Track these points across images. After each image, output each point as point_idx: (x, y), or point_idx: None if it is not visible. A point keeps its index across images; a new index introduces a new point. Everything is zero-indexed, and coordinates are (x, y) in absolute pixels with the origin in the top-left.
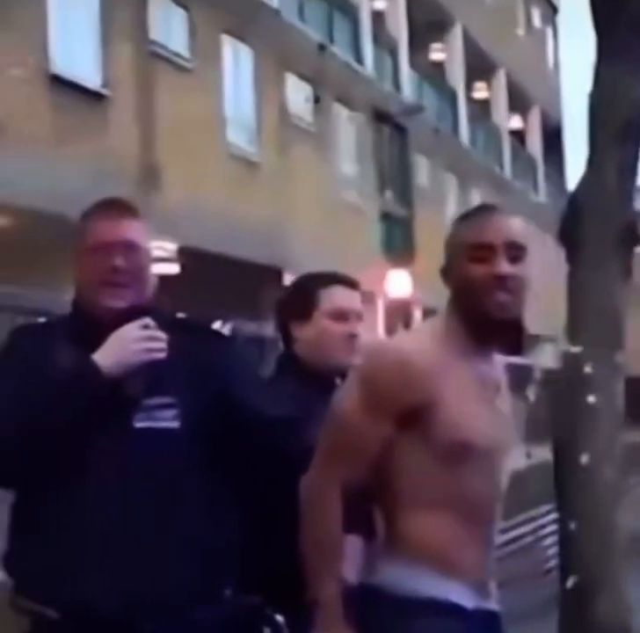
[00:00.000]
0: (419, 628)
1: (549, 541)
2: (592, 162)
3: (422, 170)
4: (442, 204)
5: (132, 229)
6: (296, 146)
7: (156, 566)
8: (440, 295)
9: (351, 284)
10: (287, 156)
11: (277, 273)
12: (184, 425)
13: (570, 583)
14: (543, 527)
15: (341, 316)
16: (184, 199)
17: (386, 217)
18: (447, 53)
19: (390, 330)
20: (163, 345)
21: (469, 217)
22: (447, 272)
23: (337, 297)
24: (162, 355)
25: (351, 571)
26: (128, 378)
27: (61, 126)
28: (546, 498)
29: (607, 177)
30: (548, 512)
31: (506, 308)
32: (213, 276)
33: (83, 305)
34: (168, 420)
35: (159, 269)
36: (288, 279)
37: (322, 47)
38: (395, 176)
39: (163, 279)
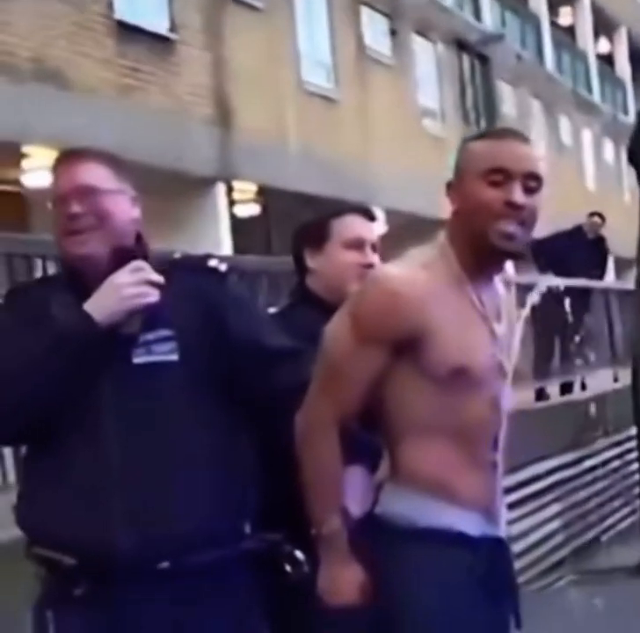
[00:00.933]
0: (425, 557)
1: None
2: None
3: (507, 99)
4: (529, 132)
5: (87, 173)
6: (375, 80)
7: (169, 503)
8: None
9: (367, 214)
10: (365, 92)
11: None
12: (182, 357)
13: None
14: (630, 451)
15: (355, 245)
16: (261, 139)
17: None
18: None
19: None
20: (156, 287)
21: (490, 137)
22: (454, 189)
23: (350, 226)
24: (155, 298)
25: (354, 502)
26: (125, 317)
27: (129, 73)
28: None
29: None
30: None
31: (513, 238)
32: (294, 215)
33: (62, 258)
34: (166, 353)
35: (240, 210)
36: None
37: None
38: (479, 105)
39: (244, 220)
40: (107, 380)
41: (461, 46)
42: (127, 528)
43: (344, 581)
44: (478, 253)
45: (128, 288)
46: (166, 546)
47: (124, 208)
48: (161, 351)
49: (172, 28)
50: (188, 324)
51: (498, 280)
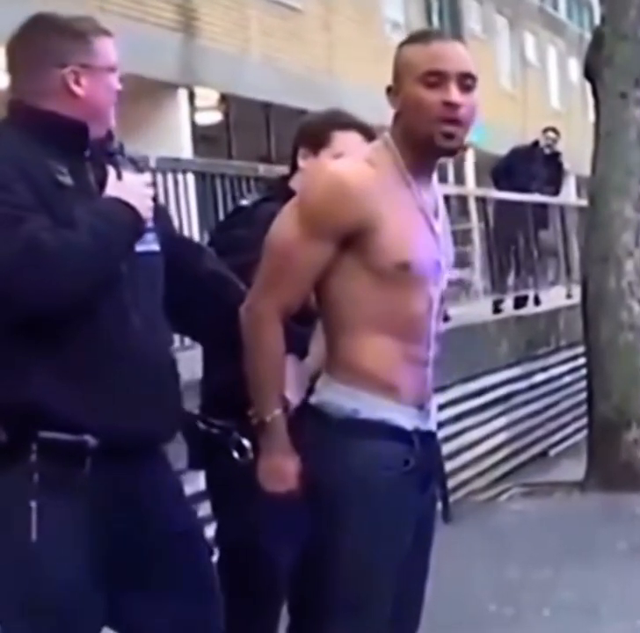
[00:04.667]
0: (360, 448)
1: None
2: None
3: (472, 14)
4: (493, 47)
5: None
6: None
7: (170, 387)
8: (493, 140)
9: (369, 134)
10: (330, 2)
11: None
12: (160, 247)
13: (597, 418)
14: (581, 367)
15: None
16: (224, 46)
17: None
18: None
19: (442, 174)
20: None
21: (422, 40)
22: (395, 93)
23: (350, 144)
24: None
25: (290, 391)
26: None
27: None
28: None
29: (630, 8)
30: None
31: (452, 137)
32: (255, 123)
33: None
34: (153, 243)
35: (201, 117)
36: None
37: None
38: (444, 19)
39: (205, 126)
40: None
41: None
42: (146, 412)
43: (284, 469)
44: (420, 152)
45: (148, 200)
46: (169, 426)
47: (110, 87)
48: (150, 240)
49: None
50: (154, 219)
51: (435, 180)
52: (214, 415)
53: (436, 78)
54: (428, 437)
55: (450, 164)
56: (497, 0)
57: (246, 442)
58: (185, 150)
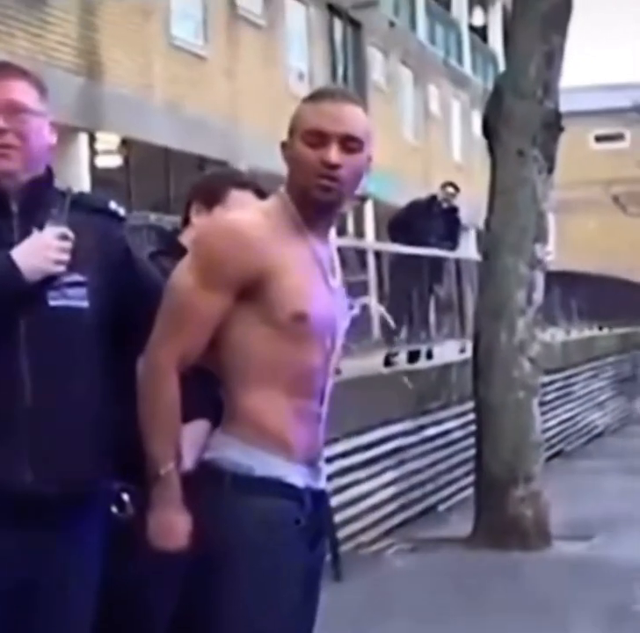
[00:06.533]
0: (253, 506)
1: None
2: (515, 51)
3: (377, 66)
4: (397, 99)
5: (17, 90)
6: (245, 39)
7: (69, 443)
8: (394, 192)
9: (264, 196)
10: (235, 50)
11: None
12: (91, 304)
13: (485, 474)
14: (472, 422)
15: None
16: (127, 91)
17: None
18: None
19: (341, 226)
20: (68, 257)
21: (315, 98)
22: (285, 148)
23: (243, 202)
24: (63, 268)
25: (189, 455)
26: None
27: None
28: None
29: (530, 66)
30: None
31: (329, 190)
32: (156, 169)
33: None
34: (78, 299)
35: (102, 161)
36: None
37: None
38: (348, 70)
39: (105, 170)
40: (24, 318)
41: (333, 10)
42: (30, 468)
43: (175, 526)
44: (305, 206)
45: (55, 253)
46: (59, 489)
47: (45, 133)
48: (74, 296)
49: None
50: (96, 269)
51: (331, 238)
52: None
53: (317, 138)
54: (319, 495)
55: (350, 215)
56: (402, 52)
57: (126, 497)
58: None
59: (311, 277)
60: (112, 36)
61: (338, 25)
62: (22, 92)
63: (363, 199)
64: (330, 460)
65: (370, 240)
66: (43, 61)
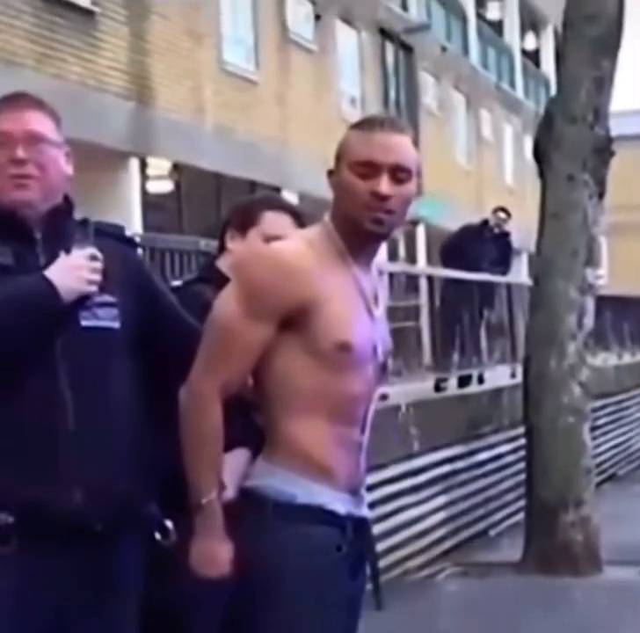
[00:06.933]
0: (295, 533)
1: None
2: (566, 77)
3: (429, 90)
4: (450, 124)
5: (35, 121)
6: (296, 64)
7: (111, 467)
8: (447, 216)
9: (300, 219)
10: (286, 75)
11: (276, 192)
12: (122, 325)
13: (536, 499)
14: (524, 447)
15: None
16: (178, 116)
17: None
18: None
19: (392, 250)
20: (99, 277)
21: (364, 127)
22: (333, 176)
23: (278, 224)
24: (96, 288)
25: (232, 485)
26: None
27: (48, 43)
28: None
29: (581, 91)
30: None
31: (381, 223)
32: (208, 194)
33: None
34: (110, 320)
35: (153, 186)
36: (287, 198)
37: None
38: (400, 95)
39: (156, 195)
40: (59, 339)
41: (385, 34)
42: (78, 489)
43: (218, 554)
44: (352, 235)
45: (87, 273)
46: (105, 509)
47: (62, 163)
48: (105, 316)
49: (95, 1)
50: (123, 291)
51: (374, 266)
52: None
53: (367, 169)
54: (361, 523)
55: (401, 240)
56: (454, 77)
57: (169, 523)
58: (135, 219)
59: (354, 306)
60: (163, 61)
61: (389, 49)
62: (39, 123)
63: (415, 223)
64: (378, 485)
65: (422, 265)
66: (94, 85)
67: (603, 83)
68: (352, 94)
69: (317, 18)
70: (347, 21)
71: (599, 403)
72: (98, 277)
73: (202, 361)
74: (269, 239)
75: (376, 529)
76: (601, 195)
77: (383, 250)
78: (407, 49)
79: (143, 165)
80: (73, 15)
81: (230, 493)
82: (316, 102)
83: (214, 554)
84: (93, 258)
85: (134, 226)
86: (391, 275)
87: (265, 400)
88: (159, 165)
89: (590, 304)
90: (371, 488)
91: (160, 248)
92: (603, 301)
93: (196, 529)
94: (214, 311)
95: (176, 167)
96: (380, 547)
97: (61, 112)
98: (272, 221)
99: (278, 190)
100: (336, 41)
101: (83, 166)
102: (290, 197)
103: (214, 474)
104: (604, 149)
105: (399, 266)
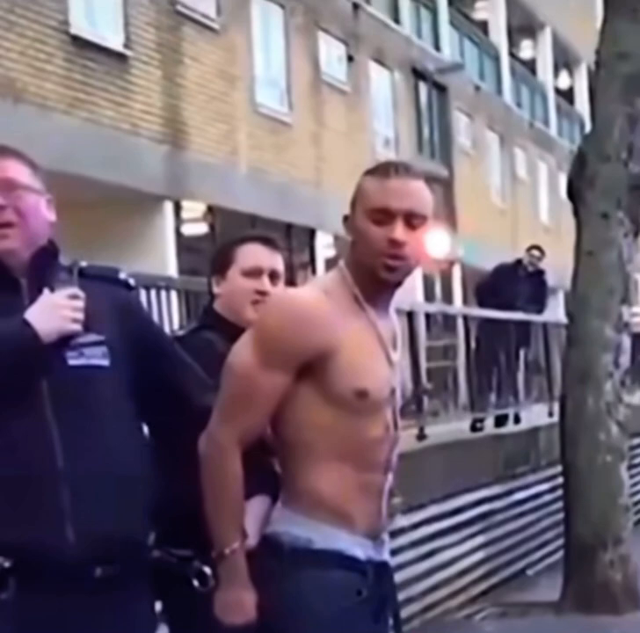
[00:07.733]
0: (313, 579)
1: None
2: (599, 114)
3: (463, 130)
4: (484, 163)
5: (11, 168)
6: (329, 106)
7: (107, 508)
8: (482, 255)
9: (268, 242)
10: (319, 116)
11: (310, 234)
12: (112, 363)
13: (574, 538)
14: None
15: (252, 273)
16: (212, 159)
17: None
18: (489, 11)
19: (429, 290)
20: (82, 316)
21: (379, 174)
22: (349, 222)
23: (249, 254)
24: (79, 327)
25: (253, 533)
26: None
27: (82, 87)
28: None
29: (614, 128)
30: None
31: (394, 270)
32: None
33: None
34: (99, 358)
35: (187, 229)
36: (322, 239)
37: (355, 6)
38: (434, 135)
39: (191, 238)
40: (45, 380)
41: (418, 74)
42: (72, 531)
43: (243, 602)
44: (367, 282)
45: (67, 311)
46: (103, 552)
47: (42, 209)
48: (93, 355)
49: (127, 45)
50: (112, 332)
51: (392, 310)
52: (170, 540)
53: (382, 215)
54: (381, 567)
55: (437, 279)
56: (487, 116)
57: (207, 570)
58: (170, 262)
59: (371, 352)
60: (196, 104)
61: (423, 89)
62: (16, 170)
63: (451, 263)
64: (417, 526)
65: (458, 304)
66: (127, 129)
67: (637, 121)
68: (385, 135)
69: (350, 59)
70: (380, 62)
71: (636, 440)
72: (80, 315)
73: (220, 410)
74: (247, 273)
75: (415, 569)
76: (636, 233)
77: (420, 290)
78: (440, 89)
79: (178, 208)
80: (105, 59)
81: (252, 541)
82: (350, 143)
83: (241, 601)
84: (74, 297)
85: (169, 269)
86: (428, 316)
87: (282, 446)
88: (194, 208)
89: (626, 342)
90: (411, 528)
91: (194, 291)
92: (639, 340)
93: (220, 578)
94: (231, 359)
95: (210, 209)
96: (419, 587)
97: (95, 156)
98: (245, 253)
99: (312, 231)
100: (369, 82)
101: (118, 210)
102: (325, 238)
103: (237, 523)
104: (638, 187)
105: (436, 307)
